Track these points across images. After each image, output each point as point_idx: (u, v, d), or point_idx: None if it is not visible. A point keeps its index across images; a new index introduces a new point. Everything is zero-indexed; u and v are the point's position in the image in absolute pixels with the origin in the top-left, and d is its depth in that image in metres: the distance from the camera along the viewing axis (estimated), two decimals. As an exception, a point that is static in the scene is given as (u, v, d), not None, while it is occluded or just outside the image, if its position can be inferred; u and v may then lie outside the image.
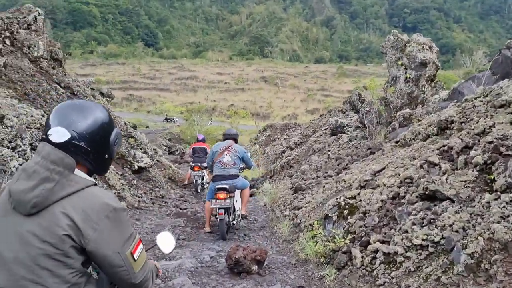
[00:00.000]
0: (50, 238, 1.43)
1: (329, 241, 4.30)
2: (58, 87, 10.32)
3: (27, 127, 6.99)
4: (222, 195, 6.10)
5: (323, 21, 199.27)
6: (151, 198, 8.98)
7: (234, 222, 6.51)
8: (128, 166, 9.54)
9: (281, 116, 55.69)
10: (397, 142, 6.60)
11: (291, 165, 13.25)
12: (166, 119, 46.44)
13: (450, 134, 5.04)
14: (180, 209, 8.80)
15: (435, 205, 3.66)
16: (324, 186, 6.92)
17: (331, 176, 7.72)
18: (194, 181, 11.20)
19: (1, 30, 9.74)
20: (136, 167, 9.67)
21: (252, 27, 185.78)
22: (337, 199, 4.84)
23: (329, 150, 12.33)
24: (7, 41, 9.86)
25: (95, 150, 1.61)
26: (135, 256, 1.56)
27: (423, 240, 3.34)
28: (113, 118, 1.77)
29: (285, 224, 6.03)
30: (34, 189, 1.44)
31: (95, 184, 1.59)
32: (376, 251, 3.65)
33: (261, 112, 60.15)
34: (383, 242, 3.70)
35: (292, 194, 7.85)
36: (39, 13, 12.64)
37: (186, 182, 11.70)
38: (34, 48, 11.48)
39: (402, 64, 9.92)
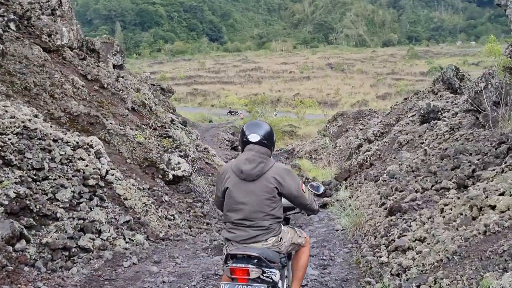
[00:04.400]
0: (267, 189, 2.90)
1: None
2: (77, 79, 8.35)
3: (0, 133, 4.95)
4: None
5: (389, 2, 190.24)
6: (187, 220, 6.71)
7: None
8: (160, 176, 7.34)
9: (350, 103, 52.53)
10: None
11: (371, 162, 10.50)
12: (230, 112, 44.73)
13: None
14: (226, 234, 6.46)
15: None
16: (443, 210, 4.22)
17: (448, 188, 4.97)
18: None
19: (3, 12, 7.89)
20: (171, 176, 7.45)
21: (315, 14, 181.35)
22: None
23: (422, 143, 9.43)
24: (12, 26, 8.00)
25: (268, 145, 3.05)
26: (304, 190, 3.06)
27: None
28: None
29: (384, 284, 3.45)
30: (255, 168, 2.90)
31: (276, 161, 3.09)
32: None
33: (329, 100, 57.03)
34: None
35: (386, 217, 5.20)
36: (65, -4, 10.81)
37: None
38: (56, 35, 9.64)
39: (536, 17, 6.82)
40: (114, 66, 14.71)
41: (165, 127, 9.33)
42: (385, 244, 4.43)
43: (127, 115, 8.56)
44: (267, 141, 3.02)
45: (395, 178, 7.55)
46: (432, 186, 5.25)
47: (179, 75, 77.44)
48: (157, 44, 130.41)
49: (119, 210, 5.49)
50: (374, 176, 8.96)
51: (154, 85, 19.74)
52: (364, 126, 14.75)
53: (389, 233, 4.65)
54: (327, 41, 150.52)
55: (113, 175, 5.88)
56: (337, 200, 8.18)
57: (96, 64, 10.97)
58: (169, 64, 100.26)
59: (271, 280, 2.80)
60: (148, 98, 12.43)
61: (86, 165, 5.49)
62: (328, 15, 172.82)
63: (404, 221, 4.62)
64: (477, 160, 5.31)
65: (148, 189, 6.68)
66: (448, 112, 10.19)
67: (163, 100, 17.61)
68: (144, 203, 6.04)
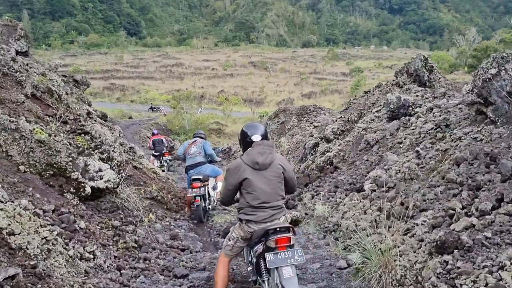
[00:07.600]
0: (277, 174, 3.58)
1: None
2: None
3: None
4: (197, 184, 7.34)
5: (308, 5, 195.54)
6: (115, 256, 4.49)
7: (210, 206, 7.95)
8: (72, 189, 5.02)
9: (276, 101, 52.32)
10: None
11: (335, 165, 8.86)
12: (151, 108, 42.26)
13: None
14: (176, 277, 4.36)
15: None
16: None
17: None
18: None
19: None
20: (89, 189, 5.16)
21: (236, 12, 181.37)
22: None
23: (399, 143, 7.94)
24: None
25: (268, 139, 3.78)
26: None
27: None
28: None
29: None
30: (267, 158, 3.53)
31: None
32: None
33: (254, 97, 56.11)
34: None
35: (430, 254, 3.44)
36: None
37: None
38: None
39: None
40: (17, 53, 11.93)
41: (80, 121, 6.92)
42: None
43: (23, 102, 6.07)
44: (266, 137, 3.78)
45: (389, 187, 5.92)
46: (494, 207, 3.58)
47: (94, 69, 72.38)
48: (69, 36, 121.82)
49: (5, 258, 3.20)
50: (349, 183, 7.28)
51: (66, 76, 16.82)
52: (312, 123, 13.18)
53: (458, 281, 2.88)
54: (249, 40, 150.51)
55: (-10, 194, 3.55)
56: (311, 216, 6.39)
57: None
58: (83, 57, 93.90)
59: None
60: (58, 85, 9.80)
61: None
62: (249, 14, 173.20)
63: (485, 268, 2.87)
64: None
65: (53, 211, 4.38)
66: (420, 107, 8.84)
67: (77, 93, 14.86)
68: (45, 237, 3.76)
